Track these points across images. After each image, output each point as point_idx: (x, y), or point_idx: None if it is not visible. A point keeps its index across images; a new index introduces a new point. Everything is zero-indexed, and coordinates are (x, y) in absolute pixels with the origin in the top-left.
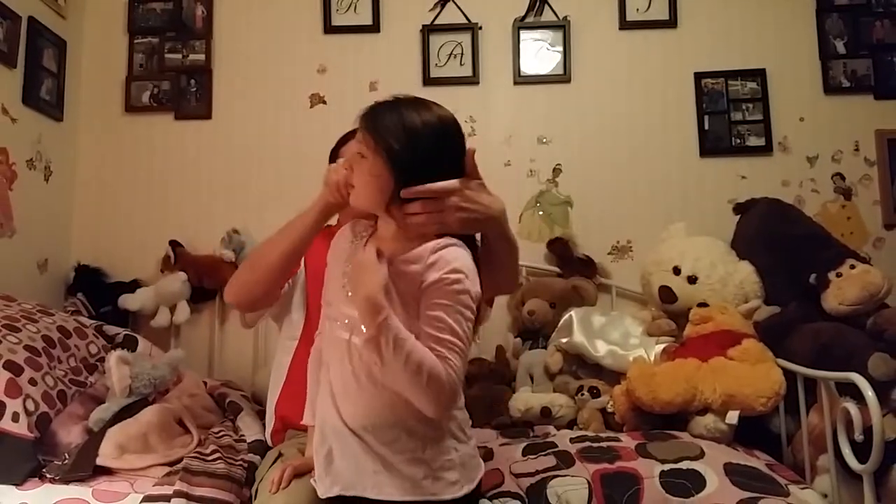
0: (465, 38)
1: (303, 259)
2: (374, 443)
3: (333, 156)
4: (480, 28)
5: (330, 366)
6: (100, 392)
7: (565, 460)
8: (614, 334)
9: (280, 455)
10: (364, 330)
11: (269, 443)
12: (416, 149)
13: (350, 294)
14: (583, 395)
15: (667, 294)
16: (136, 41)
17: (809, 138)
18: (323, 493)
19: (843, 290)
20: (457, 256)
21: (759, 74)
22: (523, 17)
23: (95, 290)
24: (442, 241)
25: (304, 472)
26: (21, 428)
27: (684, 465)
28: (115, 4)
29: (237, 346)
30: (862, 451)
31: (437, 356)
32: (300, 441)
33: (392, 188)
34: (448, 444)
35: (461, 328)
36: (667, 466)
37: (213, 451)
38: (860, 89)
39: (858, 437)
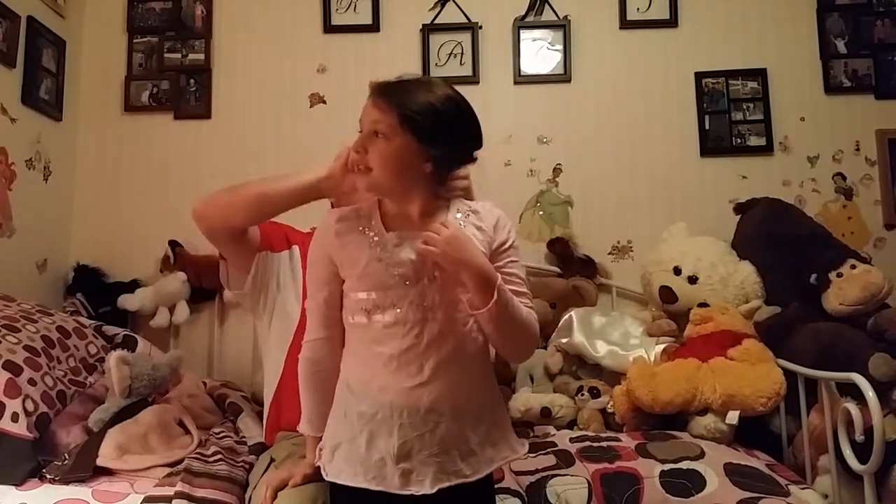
0: (465, 38)
1: (297, 252)
2: (463, 419)
3: None
4: (480, 27)
5: (385, 358)
6: (99, 392)
7: (565, 459)
8: (614, 334)
9: (272, 461)
10: (466, 297)
11: (264, 440)
12: (439, 119)
13: (437, 274)
14: (583, 395)
15: (667, 294)
16: (135, 41)
17: (810, 138)
18: (400, 490)
19: (844, 290)
20: (501, 212)
21: (759, 74)
22: (523, 17)
23: (94, 290)
24: (471, 203)
25: (283, 487)
26: (20, 428)
27: (684, 465)
28: (115, 4)
29: (237, 347)
30: (863, 452)
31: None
32: (293, 442)
33: (420, 161)
34: (504, 404)
35: (525, 277)
36: (667, 466)
37: (215, 453)
38: (861, 89)
39: (859, 437)
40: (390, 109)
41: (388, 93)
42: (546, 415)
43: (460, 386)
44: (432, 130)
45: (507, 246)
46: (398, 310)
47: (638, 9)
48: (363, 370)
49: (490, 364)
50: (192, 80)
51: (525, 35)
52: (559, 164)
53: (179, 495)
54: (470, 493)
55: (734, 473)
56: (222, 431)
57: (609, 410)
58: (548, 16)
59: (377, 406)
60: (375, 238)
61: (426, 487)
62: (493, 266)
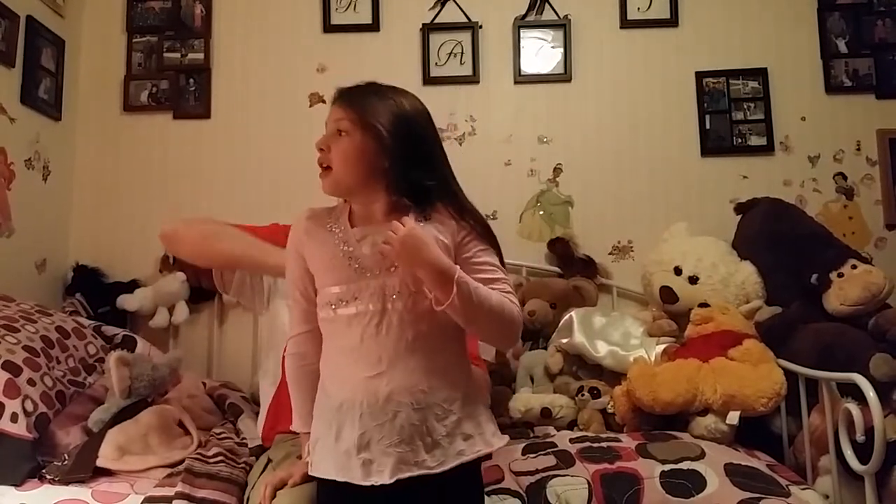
0: (466, 37)
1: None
2: (426, 410)
3: None
4: (481, 27)
5: (347, 349)
6: (98, 393)
7: (565, 460)
8: (615, 335)
9: (269, 461)
10: (431, 294)
11: (261, 440)
12: (396, 118)
13: (397, 266)
14: (583, 395)
15: (668, 294)
16: (134, 40)
17: (811, 138)
18: (362, 481)
19: (845, 290)
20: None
21: (760, 73)
22: (524, 16)
23: (94, 290)
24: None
25: (282, 487)
26: (20, 428)
27: (685, 465)
28: (114, 3)
29: (236, 347)
30: (863, 452)
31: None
32: (291, 443)
33: (379, 158)
34: (480, 398)
35: (503, 264)
36: (667, 467)
37: (216, 454)
38: (862, 89)
39: (860, 437)
40: (351, 108)
41: (350, 94)
42: (546, 415)
43: (421, 376)
44: (391, 128)
45: (471, 237)
46: (359, 301)
47: (638, 8)
48: (331, 364)
49: (464, 357)
50: (191, 80)
51: (525, 34)
52: (559, 164)
53: (180, 496)
54: (444, 487)
55: (735, 474)
56: (223, 432)
57: (609, 411)
58: (548, 15)
59: (342, 398)
60: (340, 234)
61: (385, 477)
62: (463, 258)
